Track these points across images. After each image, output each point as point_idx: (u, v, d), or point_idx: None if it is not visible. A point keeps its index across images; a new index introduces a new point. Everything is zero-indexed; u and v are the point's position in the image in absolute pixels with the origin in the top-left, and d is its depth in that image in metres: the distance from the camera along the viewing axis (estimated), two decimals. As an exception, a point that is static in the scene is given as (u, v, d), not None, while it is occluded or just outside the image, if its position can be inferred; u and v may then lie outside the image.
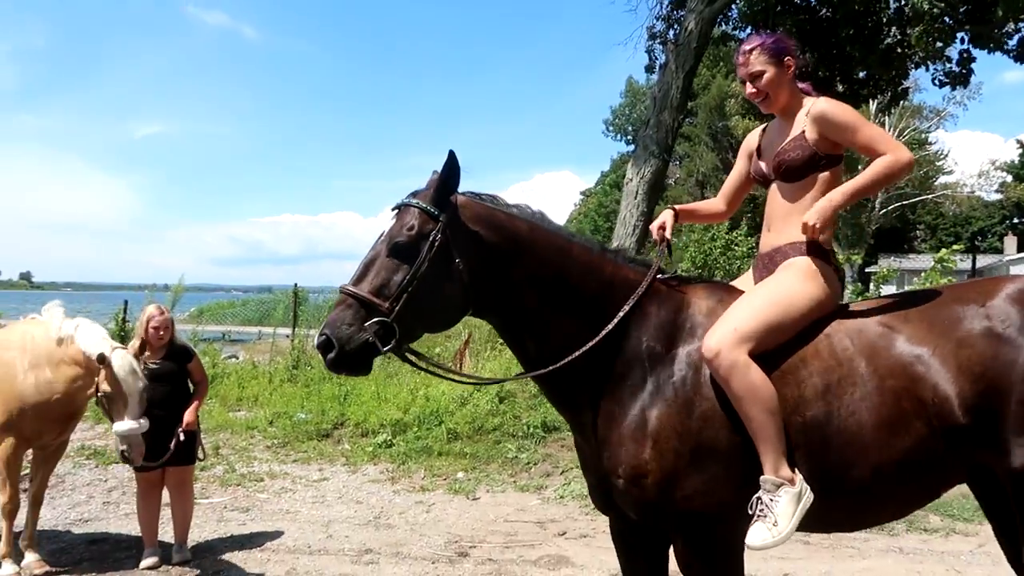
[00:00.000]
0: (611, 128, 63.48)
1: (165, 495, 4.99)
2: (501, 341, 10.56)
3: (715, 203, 3.09)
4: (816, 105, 2.61)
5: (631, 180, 13.12)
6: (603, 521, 5.70)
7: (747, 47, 2.70)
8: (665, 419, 2.36)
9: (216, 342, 17.25)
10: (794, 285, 2.51)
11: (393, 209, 2.48)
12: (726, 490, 2.36)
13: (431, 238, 2.34)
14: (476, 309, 2.48)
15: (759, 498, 2.30)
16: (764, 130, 2.90)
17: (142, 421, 4.27)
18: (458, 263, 2.36)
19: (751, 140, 2.95)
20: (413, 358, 2.51)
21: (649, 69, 15.35)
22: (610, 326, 2.43)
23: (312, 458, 7.67)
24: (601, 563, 4.86)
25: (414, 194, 2.45)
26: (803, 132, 2.61)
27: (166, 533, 5.07)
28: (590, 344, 2.42)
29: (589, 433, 2.53)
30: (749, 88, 2.71)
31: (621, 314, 2.45)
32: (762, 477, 2.30)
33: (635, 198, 12.92)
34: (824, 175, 2.64)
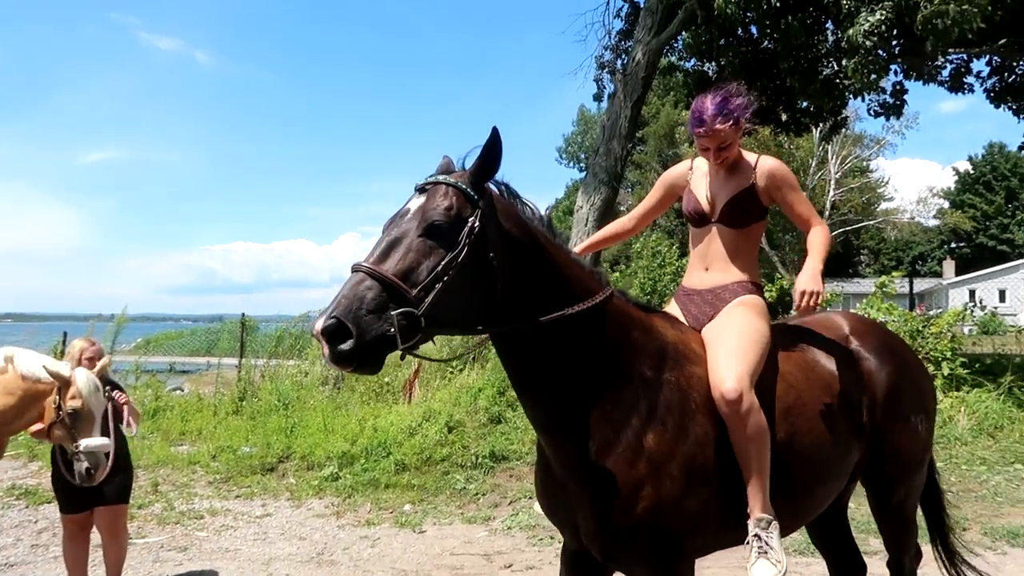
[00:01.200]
0: (564, 156, 64.26)
1: (96, 537, 4.78)
2: (451, 370, 10.49)
3: (625, 223, 3.26)
4: (767, 163, 2.86)
5: (581, 207, 13.27)
6: (550, 551, 5.68)
7: (712, 116, 2.71)
8: (663, 444, 2.34)
9: (161, 373, 16.83)
10: (757, 323, 2.69)
11: (421, 188, 2.18)
12: (710, 517, 2.41)
13: (470, 224, 2.09)
14: (489, 317, 2.21)
15: (757, 535, 2.40)
16: (691, 168, 3.04)
17: (109, 441, 4.17)
18: (492, 257, 2.12)
19: (678, 177, 3.10)
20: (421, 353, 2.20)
21: (597, 98, 15.58)
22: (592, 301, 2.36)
23: (255, 493, 7.46)
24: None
25: (444, 170, 2.25)
26: (753, 185, 2.82)
27: (95, 577, 4.86)
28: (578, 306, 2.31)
29: (572, 460, 2.37)
30: (716, 156, 2.81)
31: (596, 300, 2.36)
32: (757, 515, 2.40)
33: (585, 225, 13.04)
34: (759, 224, 2.91)
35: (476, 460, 7.82)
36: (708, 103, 2.74)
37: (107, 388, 4.63)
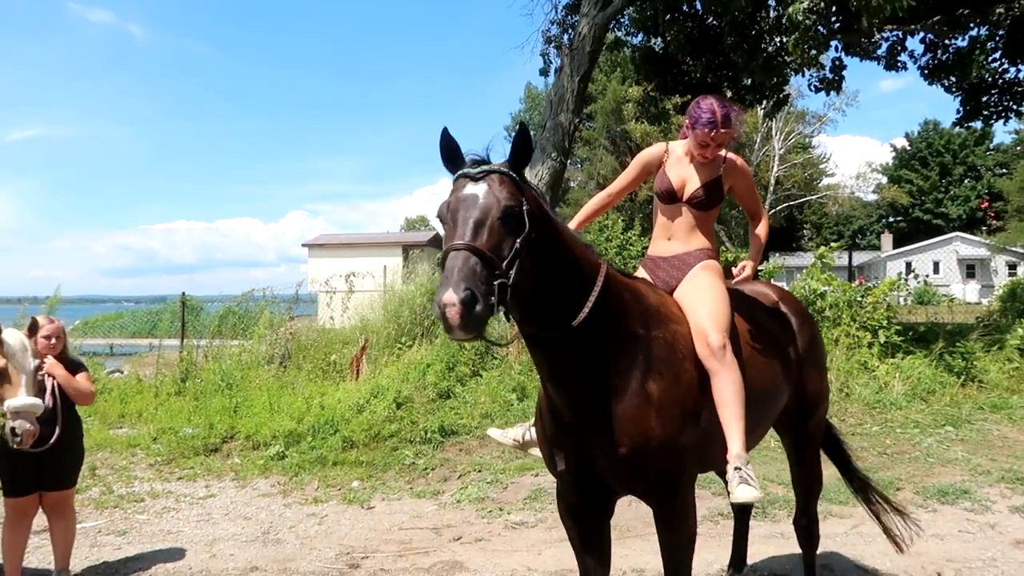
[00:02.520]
0: (512, 133, 63.85)
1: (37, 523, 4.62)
2: (400, 346, 10.42)
3: (605, 198, 3.63)
4: (734, 159, 3.36)
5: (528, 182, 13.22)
6: (499, 523, 5.71)
7: (723, 120, 3.14)
8: (664, 390, 2.72)
9: (100, 356, 16.33)
10: (720, 284, 3.18)
11: (476, 176, 2.38)
12: (700, 449, 2.86)
13: (527, 208, 2.37)
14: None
15: (738, 468, 2.80)
16: (667, 151, 3.44)
17: (38, 401, 4.00)
18: (535, 237, 2.39)
19: (653, 158, 3.47)
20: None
21: (544, 73, 15.53)
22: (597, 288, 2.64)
23: (198, 475, 7.31)
24: (495, 566, 4.83)
25: (480, 161, 2.45)
26: (720, 177, 3.31)
27: (29, 562, 4.70)
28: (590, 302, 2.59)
29: (585, 407, 2.69)
30: (711, 152, 3.25)
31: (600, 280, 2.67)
32: (737, 452, 2.82)
33: (533, 200, 13.02)
34: (718, 207, 3.41)
35: (425, 435, 7.79)
36: (717, 108, 3.16)
37: (50, 366, 4.45)
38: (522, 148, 2.45)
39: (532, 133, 2.53)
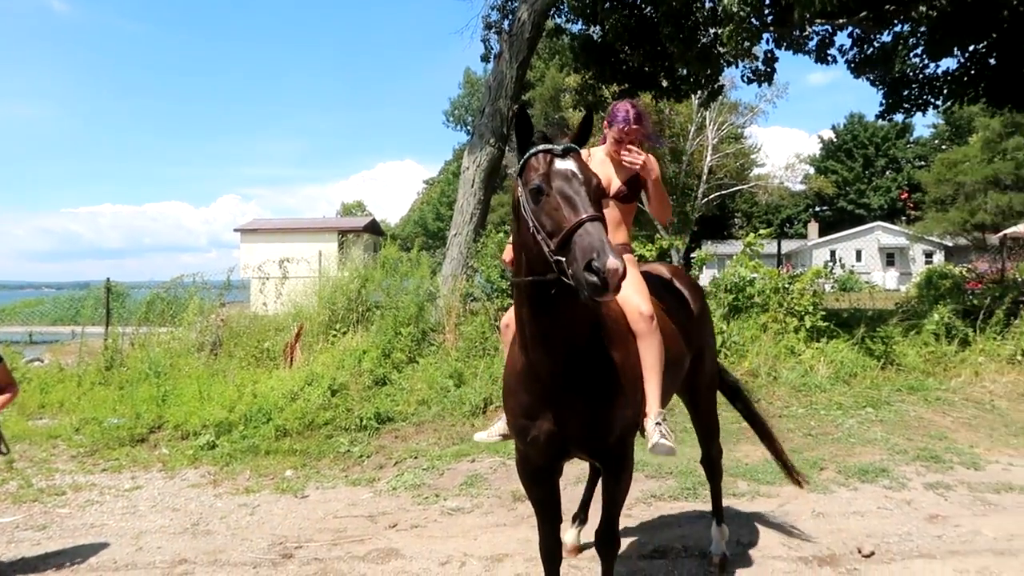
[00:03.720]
0: (451, 119, 63.56)
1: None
2: (335, 333, 10.27)
3: None
4: (651, 160, 3.75)
5: (467, 168, 13.18)
6: (435, 510, 5.70)
7: (635, 119, 3.72)
8: (624, 359, 3.16)
9: (18, 344, 15.59)
10: (636, 269, 3.67)
11: (563, 151, 2.69)
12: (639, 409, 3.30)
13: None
14: None
15: (658, 423, 3.27)
16: (590, 154, 3.81)
17: None
18: None
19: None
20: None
21: (485, 59, 15.47)
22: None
23: (124, 466, 7.06)
24: (431, 552, 4.82)
25: (550, 138, 2.75)
26: (638, 174, 3.76)
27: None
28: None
29: (570, 374, 2.95)
30: (624, 149, 3.70)
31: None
32: (657, 411, 3.29)
33: (472, 186, 12.99)
34: (635, 202, 3.85)
35: (361, 423, 7.71)
36: (630, 109, 3.73)
37: None
38: (587, 130, 2.82)
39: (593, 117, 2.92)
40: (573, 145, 2.73)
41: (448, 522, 5.44)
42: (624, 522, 5.31)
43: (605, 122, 3.83)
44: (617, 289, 2.40)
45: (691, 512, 5.50)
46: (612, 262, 2.35)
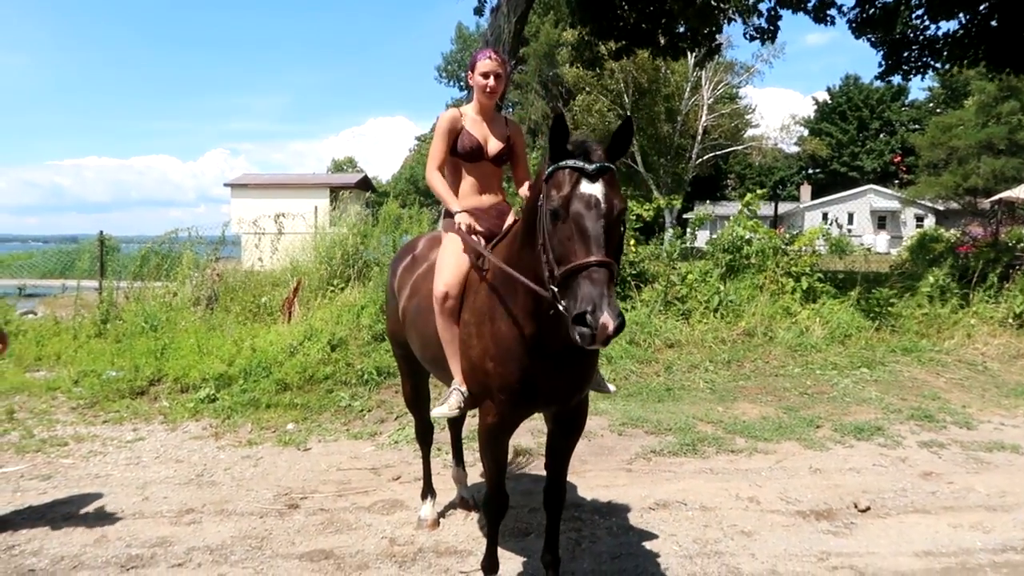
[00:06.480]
0: (443, 74, 62.62)
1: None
2: (332, 288, 10.25)
3: (441, 176, 3.78)
4: (516, 124, 3.99)
5: (464, 124, 13.00)
6: (437, 462, 5.73)
7: (494, 51, 3.77)
8: None
9: (9, 297, 15.49)
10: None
11: (596, 173, 2.57)
12: None
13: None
14: None
15: (459, 389, 3.41)
16: (461, 114, 3.79)
17: None
18: None
19: (455, 122, 3.76)
20: None
21: (478, 12, 15.18)
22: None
23: (125, 418, 7.09)
24: (436, 504, 4.88)
25: (588, 151, 2.63)
26: (509, 136, 3.86)
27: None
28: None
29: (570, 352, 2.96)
30: (496, 82, 3.71)
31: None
32: (456, 382, 3.43)
33: (468, 143, 12.83)
34: (505, 164, 3.93)
35: (361, 377, 7.74)
36: (489, 50, 3.77)
37: None
38: (623, 141, 2.67)
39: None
40: (608, 164, 2.60)
41: (450, 475, 5.49)
42: (624, 477, 5.41)
43: (468, 69, 3.83)
44: (605, 344, 2.39)
45: (691, 468, 5.58)
46: (605, 319, 2.33)
